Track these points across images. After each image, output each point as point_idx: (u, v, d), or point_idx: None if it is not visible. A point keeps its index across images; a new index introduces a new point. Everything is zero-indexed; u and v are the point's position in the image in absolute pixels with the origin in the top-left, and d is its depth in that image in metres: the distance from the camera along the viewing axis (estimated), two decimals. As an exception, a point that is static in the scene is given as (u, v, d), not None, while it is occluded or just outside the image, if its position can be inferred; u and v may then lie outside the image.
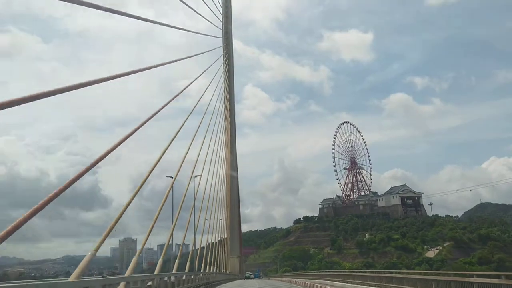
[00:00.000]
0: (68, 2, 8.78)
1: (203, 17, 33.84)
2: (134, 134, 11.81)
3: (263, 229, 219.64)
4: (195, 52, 25.27)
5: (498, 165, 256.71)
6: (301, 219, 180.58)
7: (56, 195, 8.05)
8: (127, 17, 11.87)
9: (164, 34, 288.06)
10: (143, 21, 12.63)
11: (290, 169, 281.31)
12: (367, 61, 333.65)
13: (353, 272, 43.71)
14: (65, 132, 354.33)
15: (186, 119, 18.02)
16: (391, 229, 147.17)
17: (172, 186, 17.18)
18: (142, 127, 13.51)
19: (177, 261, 19.74)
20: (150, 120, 14.07)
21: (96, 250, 10.69)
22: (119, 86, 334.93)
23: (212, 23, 40.89)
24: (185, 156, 18.40)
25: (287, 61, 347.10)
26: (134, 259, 11.85)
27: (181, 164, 18.02)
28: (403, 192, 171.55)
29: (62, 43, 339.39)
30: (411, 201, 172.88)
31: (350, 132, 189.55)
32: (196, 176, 25.09)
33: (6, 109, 6.67)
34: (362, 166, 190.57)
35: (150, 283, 12.96)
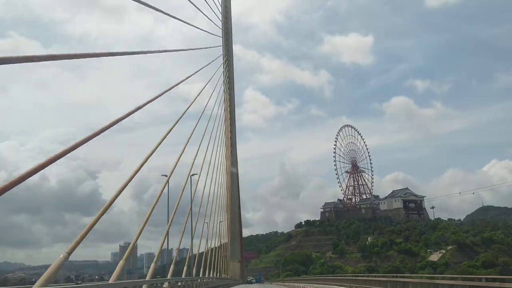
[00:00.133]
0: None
1: (206, 16, 33.24)
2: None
3: (264, 234, 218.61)
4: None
5: (499, 168, 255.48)
6: (303, 223, 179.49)
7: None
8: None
9: (164, 39, 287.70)
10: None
11: (291, 173, 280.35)
12: (367, 65, 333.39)
13: (357, 276, 42.82)
14: (65, 137, 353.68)
15: (180, 119, 17.23)
16: (393, 232, 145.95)
17: (166, 184, 16.32)
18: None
19: (172, 265, 18.94)
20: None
21: (70, 253, 9.71)
22: (120, 90, 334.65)
23: (214, 22, 40.31)
24: (179, 157, 17.63)
25: (288, 65, 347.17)
26: (121, 263, 11.02)
27: (176, 163, 17.25)
28: (405, 196, 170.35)
29: (62, 48, 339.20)
30: (413, 204, 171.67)
31: (351, 135, 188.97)
32: (193, 175, 24.20)
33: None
34: (363, 169, 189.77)
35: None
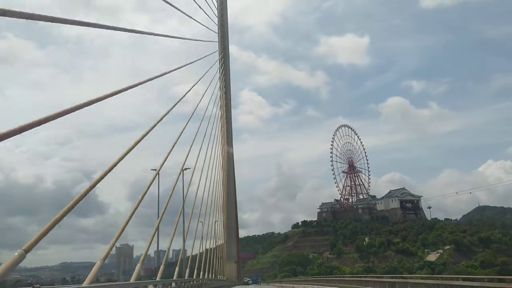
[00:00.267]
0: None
1: (204, 16, 32.41)
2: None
3: (261, 234, 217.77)
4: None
5: (495, 169, 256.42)
6: (299, 224, 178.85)
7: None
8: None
9: (160, 40, 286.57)
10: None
11: (288, 174, 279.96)
12: (364, 65, 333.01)
13: (354, 277, 42.00)
14: (61, 138, 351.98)
15: (168, 111, 16.34)
16: (390, 232, 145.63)
17: (156, 177, 15.34)
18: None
19: (162, 266, 18.01)
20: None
21: (27, 250, 8.63)
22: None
23: (211, 20, 39.58)
24: (170, 151, 16.70)
25: (284, 65, 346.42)
26: (98, 263, 10.13)
27: (166, 158, 16.32)
28: (402, 196, 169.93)
29: (58, 49, 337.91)
30: (410, 204, 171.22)
31: (348, 135, 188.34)
32: (186, 169, 23.21)
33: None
34: (360, 169, 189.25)
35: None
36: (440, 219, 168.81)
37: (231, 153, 47.55)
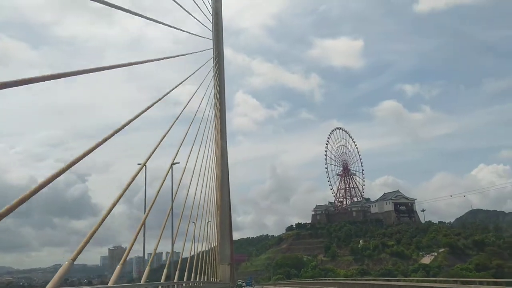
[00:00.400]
0: None
1: (199, 18, 31.73)
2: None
3: (254, 237, 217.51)
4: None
5: (487, 173, 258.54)
6: (294, 226, 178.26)
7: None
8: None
9: (154, 41, 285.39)
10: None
11: (282, 177, 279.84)
12: (358, 68, 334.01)
13: (347, 280, 41.40)
14: (55, 140, 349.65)
15: (152, 104, 15.62)
16: (384, 235, 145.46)
17: (141, 169, 14.48)
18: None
19: (147, 267, 17.20)
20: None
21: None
22: (110, 94, 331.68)
23: (203, 28, 39.10)
24: (158, 145, 15.93)
25: (278, 68, 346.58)
26: (66, 264, 9.39)
27: (153, 150, 15.55)
28: (396, 198, 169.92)
29: (51, 50, 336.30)
30: (404, 207, 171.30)
31: (343, 138, 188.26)
32: (175, 164, 22.31)
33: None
34: (354, 172, 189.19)
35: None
36: (434, 222, 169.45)
37: (224, 148, 46.65)
